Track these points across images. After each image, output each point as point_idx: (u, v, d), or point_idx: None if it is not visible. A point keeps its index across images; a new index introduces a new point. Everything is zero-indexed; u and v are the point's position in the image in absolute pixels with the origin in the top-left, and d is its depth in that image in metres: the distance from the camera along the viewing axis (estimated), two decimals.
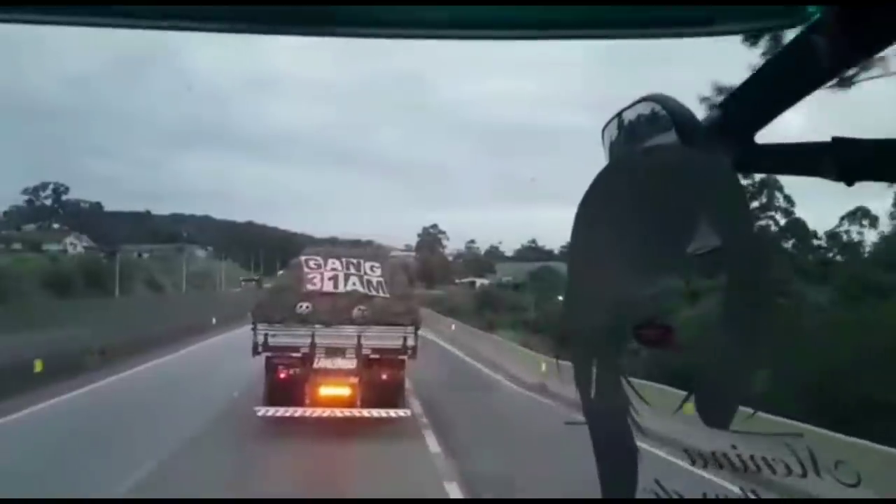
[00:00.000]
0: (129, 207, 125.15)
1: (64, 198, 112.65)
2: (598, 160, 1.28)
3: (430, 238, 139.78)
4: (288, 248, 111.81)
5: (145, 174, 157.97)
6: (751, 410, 1.05)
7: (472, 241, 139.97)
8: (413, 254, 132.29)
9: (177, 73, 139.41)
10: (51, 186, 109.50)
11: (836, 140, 1.15)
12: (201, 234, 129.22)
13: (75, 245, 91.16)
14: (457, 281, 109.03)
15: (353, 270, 13.84)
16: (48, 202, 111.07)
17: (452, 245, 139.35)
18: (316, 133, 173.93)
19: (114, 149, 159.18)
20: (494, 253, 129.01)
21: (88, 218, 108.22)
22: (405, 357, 13.68)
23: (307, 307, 13.28)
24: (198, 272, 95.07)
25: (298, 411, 13.00)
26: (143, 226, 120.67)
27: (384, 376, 13.55)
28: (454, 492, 10.12)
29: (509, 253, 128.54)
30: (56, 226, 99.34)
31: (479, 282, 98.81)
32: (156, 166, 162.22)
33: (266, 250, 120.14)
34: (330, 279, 13.65)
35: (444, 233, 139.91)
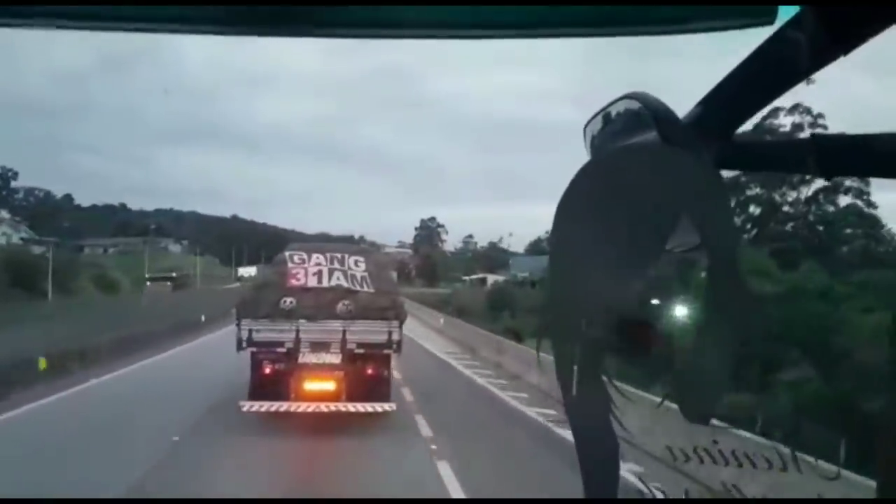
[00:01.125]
0: (108, 202, 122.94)
1: (13, 184, 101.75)
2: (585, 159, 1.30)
3: (429, 232, 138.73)
4: (275, 243, 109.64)
5: (132, 170, 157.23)
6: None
7: (470, 237, 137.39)
8: (408, 250, 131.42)
9: (165, 70, 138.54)
10: None
11: (814, 136, 1.16)
12: (179, 229, 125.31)
13: (8, 236, 78.79)
14: (464, 277, 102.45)
15: (337, 265, 13.83)
16: None
17: (451, 241, 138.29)
18: (306, 129, 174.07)
19: (101, 145, 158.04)
20: (495, 249, 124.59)
21: (42, 207, 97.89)
22: (390, 352, 13.75)
23: (291, 302, 13.27)
24: (168, 268, 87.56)
25: (283, 406, 13.03)
26: (114, 219, 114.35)
27: (369, 371, 13.58)
28: None
29: (519, 248, 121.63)
30: (6, 214, 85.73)
31: (490, 278, 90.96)
32: (143, 163, 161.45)
33: (251, 246, 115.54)
34: (314, 274, 13.64)
35: (442, 226, 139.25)
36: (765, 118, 42.19)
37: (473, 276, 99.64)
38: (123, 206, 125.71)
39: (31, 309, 38.38)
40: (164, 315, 38.41)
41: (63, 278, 56.64)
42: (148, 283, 71.89)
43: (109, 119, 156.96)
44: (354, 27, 1.22)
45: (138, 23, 1.19)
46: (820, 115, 45.90)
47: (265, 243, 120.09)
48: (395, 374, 16.36)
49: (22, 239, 79.00)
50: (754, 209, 49.18)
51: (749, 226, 48.15)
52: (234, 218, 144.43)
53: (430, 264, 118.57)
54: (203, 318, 38.95)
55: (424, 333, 38.53)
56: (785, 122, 45.21)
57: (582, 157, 1.31)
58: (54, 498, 7.78)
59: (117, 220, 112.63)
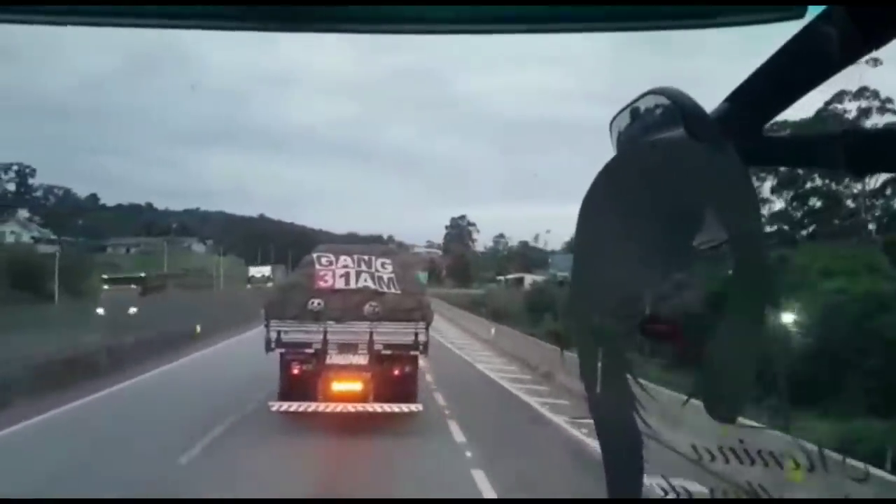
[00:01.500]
0: (134, 202, 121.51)
1: (30, 181, 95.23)
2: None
3: (459, 231, 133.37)
4: (303, 243, 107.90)
5: (160, 172, 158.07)
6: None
7: (501, 236, 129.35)
8: (437, 250, 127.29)
9: (191, 70, 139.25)
10: (13, 168, 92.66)
11: (845, 131, 1.14)
12: (205, 228, 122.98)
13: (17, 234, 73.73)
14: (500, 277, 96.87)
15: (364, 267, 13.93)
16: (11, 186, 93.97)
17: (480, 240, 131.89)
18: (333, 129, 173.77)
19: (129, 148, 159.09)
20: (528, 247, 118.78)
21: (61, 206, 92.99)
22: (417, 353, 13.80)
23: (319, 304, 13.39)
24: (192, 269, 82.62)
25: (311, 406, 13.14)
26: (140, 219, 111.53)
27: (396, 372, 13.64)
28: None
29: (555, 246, 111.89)
30: (25, 213, 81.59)
31: (528, 278, 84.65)
32: (170, 164, 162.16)
33: (279, 246, 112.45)
34: (341, 276, 13.75)
35: (473, 225, 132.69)
36: (828, 103, 40.12)
37: (509, 276, 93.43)
38: (150, 205, 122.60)
39: (31, 312, 33.77)
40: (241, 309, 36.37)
41: (73, 280, 51.45)
42: (105, 287, 56.70)
43: (135, 121, 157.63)
44: (377, 23, 1.22)
45: (161, 19, 1.20)
46: (888, 100, 42.63)
47: (292, 243, 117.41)
48: (457, 435, 13.37)
49: (33, 238, 73.97)
50: (815, 202, 44.93)
51: (808, 220, 44.44)
52: (262, 217, 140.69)
53: (461, 264, 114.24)
54: (198, 328, 32.12)
55: (471, 346, 32.62)
56: (850, 106, 42.13)
57: (609, 154, 1.30)
58: (55, 498, 7.76)
59: (143, 220, 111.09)
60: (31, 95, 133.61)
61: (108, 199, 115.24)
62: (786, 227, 42.87)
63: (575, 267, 1.10)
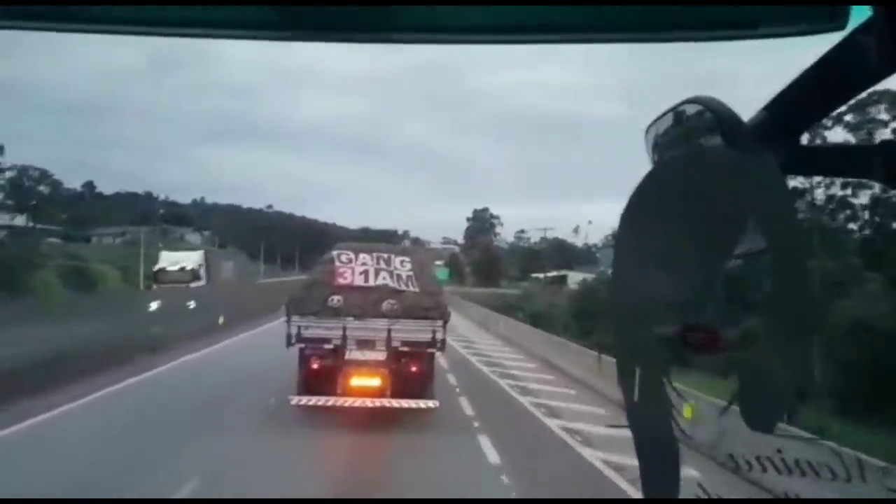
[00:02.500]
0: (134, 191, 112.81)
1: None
2: (638, 153, 1.29)
3: (482, 224, 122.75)
4: (312, 235, 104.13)
5: (173, 168, 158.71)
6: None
7: (522, 231, 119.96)
8: (454, 246, 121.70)
9: (207, 69, 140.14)
10: None
11: (884, 142, 1.14)
12: (205, 218, 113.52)
13: None
14: (535, 275, 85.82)
15: (383, 265, 14.22)
16: None
17: (503, 236, 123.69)
18: (348, 126, 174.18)
19: (144, 143, 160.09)
20: (556, 242, 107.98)
21: (35, 191, 74.22)
22: (434, 350, 14.13)
23: (339, 300, 13.66)
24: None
25: (331, 401, 13.42)
26: (136, 209, 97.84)
27: (413, 368, 13.87)
28: None
29: (597, 240, 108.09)
30: None
31: (573, 276, 73.38)
32: (181, 161, 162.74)
33: (286, 238, 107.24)
34: (361, 273, 14.03)
35: (497, 218, 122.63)
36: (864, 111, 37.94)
37: (549, 274, 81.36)
38: (149, 194, 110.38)
39: None
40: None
41: (16, 273, 43.98)
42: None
43: (149, 117, 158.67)
44: (395, 31, 1.22)
45: (175, 28, 1.22)
46: None
47: (301, 237, 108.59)
48: None
49: None
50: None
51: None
52: (270, 209, 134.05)
53: (488, 259, 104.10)
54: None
55: (557, 390, 19.71)
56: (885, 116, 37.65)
57: (632, 154, 1.30)
58: (55, 498, 7.83)
59: (141, 210, 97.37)
60: (45, 92, 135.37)
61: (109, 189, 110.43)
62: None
63: (615, 274, 1.11)
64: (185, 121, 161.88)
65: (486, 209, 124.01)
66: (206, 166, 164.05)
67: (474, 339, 31.78)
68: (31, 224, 67.14)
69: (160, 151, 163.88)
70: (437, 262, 78.25)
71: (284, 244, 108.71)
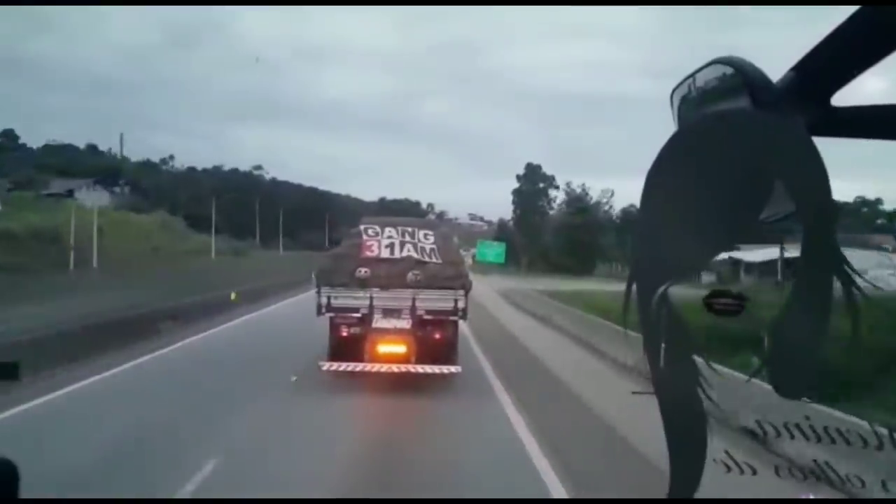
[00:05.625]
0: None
1: None
2: (667, 129, 1.26)
3: (532, 187, 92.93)
4: (316, 209, 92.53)
5: (198, 144, 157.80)
6: None
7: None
8: (481, 223, 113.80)
9: (228, 45, 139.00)
10: None
11: None
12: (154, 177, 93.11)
13: None
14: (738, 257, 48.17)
15: (407, 238, 15.01)
16: None
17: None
18: (373, 103, 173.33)
19: (165, 120, 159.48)
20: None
21: None
22: (456, 318, 14.91)
23: (366, 272, 14.38)
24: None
25: (359, 366, 14.15)
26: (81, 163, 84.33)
27: (437, 336, 14.77)
28: None
29: None
30: None
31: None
32: (205, 137, 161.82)
33: (272, 207, 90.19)
34: (386, 246, 14.82)
35: (552, 178, 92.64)
36: None
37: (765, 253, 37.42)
38: (93, 147, 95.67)
39: None
40: None
41: None
42: None
43: (171, 96, 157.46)
44: None
45: None
46: None
47: (299, 208, 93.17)
48: None
49: None
50: None
51: None
52: (259, 172, 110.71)
53: (580, 236, 78.93)
54: None
55: None
56: None
57: (659, 129, 1.27)
58: (55, 498, 7.95)
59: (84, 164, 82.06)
60: (71, 68, 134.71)
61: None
62: None
63: (639, 239, 1.09)
64: (207, 98, 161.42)
65: (539, 166, 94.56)
66: (228, 143, 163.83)
67: None
68: None
69: (181, 128, 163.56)
70: (495, 244, 76.67)
71: (272, 214, 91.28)
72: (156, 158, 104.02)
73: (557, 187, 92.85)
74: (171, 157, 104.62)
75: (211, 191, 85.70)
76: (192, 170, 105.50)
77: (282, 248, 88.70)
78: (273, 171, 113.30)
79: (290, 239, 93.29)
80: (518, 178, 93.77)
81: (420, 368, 14.17)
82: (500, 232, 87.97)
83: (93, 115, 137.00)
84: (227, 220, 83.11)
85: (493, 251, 76.99)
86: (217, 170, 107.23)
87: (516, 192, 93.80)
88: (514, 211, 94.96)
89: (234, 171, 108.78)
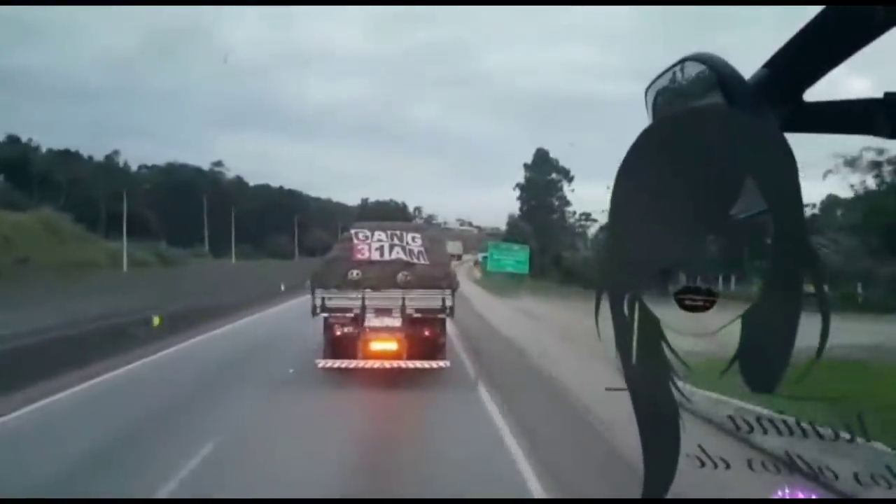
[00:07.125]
0: None
1: None
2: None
3: (543, 179, 79.21)
4: (281, 211, 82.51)
5: (185, 154, 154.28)
6: None
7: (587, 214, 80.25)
8: (471, 228, 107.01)
9: (211, 50, 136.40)
10: None
11: (888, 96, 1.11)
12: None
13: None
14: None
15: (396, 241, 15.75)
16: None
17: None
18: (354, 107, 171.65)
19: (150, 128, 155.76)
20: None
21: None
22: (444, 316, 15.66)
23: (357, 274, 15.11)
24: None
25: (353, 363, 14.93)
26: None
27: (426, 333, 15.51)
28: None
29: None
30: None
31: None
32: (192, 146, 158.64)
33: (221, 208, 76.43)
34: (377, 249, 15.54)
35: (567, 170, 79.82)
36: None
37: None
38: (71, 152, 76.83)
39: None
40: None
41: None
42: None
43: (156, 103, 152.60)
44: None
45: None
46: None
47: (258, 210, 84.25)
48: None
49: None
50: None
51: None
52: (218, 169, 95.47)
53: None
54: None
55: None
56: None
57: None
58: (55, 498, 7.87)
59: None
60: (55, 77, 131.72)
61: None
62: None
63: (610, 235, 1.09)
64: (191, 105, 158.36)
65: (547, 151, 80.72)
66: (214, 152, 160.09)
67: None
68: None
69: (166, 137, 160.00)
70: (515, 246, 57.06)
71: (227, 216, 77.39)
72: (100, 156, 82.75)
73: (572, 179, 79.67)
74: (116, 153, 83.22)
75: (153, 188, 74.72)
76: (143, 167, 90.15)
77: (234, 257, 77.23)
78: (253, 180, 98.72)
79: (252, 246, 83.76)
80: (525, 166, 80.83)
81: (411, 364, 14.80)
82: (510, 233, 72.89)
83: (75, 125, 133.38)
84: (168, 223, 71.95)
85: (513, 257, 59.55)
86: (170, 166, 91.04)
87: (522, 187, 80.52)
88: (521, 208, 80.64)
89: (184, 166, 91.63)
